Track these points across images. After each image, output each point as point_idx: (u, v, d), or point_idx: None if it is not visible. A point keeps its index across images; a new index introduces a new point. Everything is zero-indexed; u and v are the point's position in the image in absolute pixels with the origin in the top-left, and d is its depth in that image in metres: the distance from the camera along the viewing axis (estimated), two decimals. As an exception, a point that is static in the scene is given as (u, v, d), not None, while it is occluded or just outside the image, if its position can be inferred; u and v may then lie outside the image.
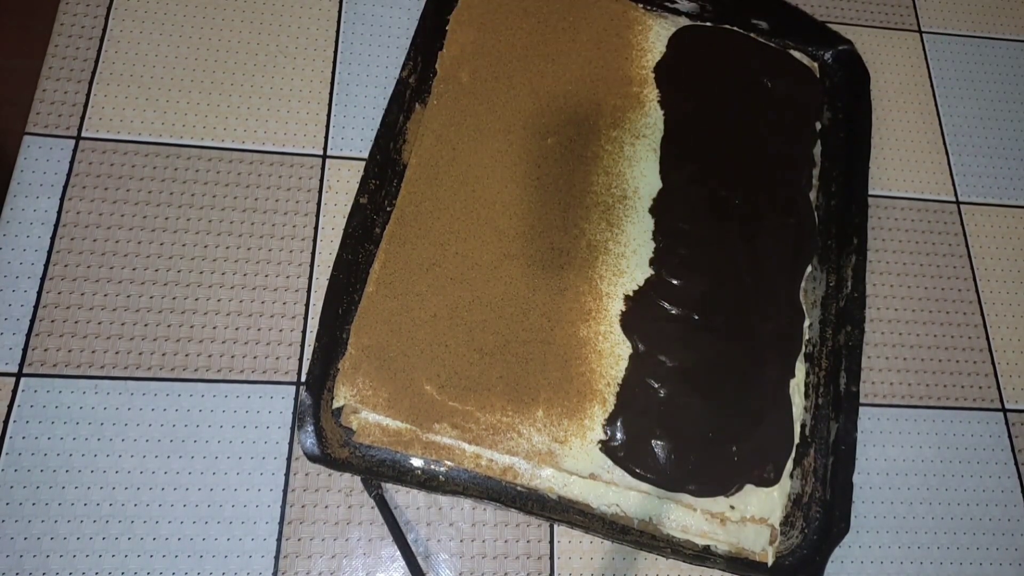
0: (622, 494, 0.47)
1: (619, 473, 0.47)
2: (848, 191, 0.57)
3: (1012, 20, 0.69)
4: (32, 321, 0.48)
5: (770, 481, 0.48)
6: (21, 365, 0.47)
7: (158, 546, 0.45)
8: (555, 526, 0.48)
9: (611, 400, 0.48)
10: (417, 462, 0.47)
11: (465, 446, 0.46)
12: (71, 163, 0.52)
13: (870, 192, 0.59)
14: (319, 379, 0.47)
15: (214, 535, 0.45)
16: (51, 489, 0.45)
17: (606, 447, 0.47)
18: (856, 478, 0.49)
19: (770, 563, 0.47)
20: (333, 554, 0.46)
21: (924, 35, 0.67)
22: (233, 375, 0.49)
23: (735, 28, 0.61)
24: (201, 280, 0.51)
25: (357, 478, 0.47)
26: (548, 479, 0.47)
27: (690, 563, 0.46)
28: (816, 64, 0.62)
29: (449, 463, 0.47)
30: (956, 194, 0.62)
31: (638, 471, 0.47)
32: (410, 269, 0.49)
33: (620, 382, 0.49)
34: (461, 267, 0.50)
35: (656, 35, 0.59)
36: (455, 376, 0.47)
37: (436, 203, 0.51)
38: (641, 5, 0.61)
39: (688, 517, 0.47)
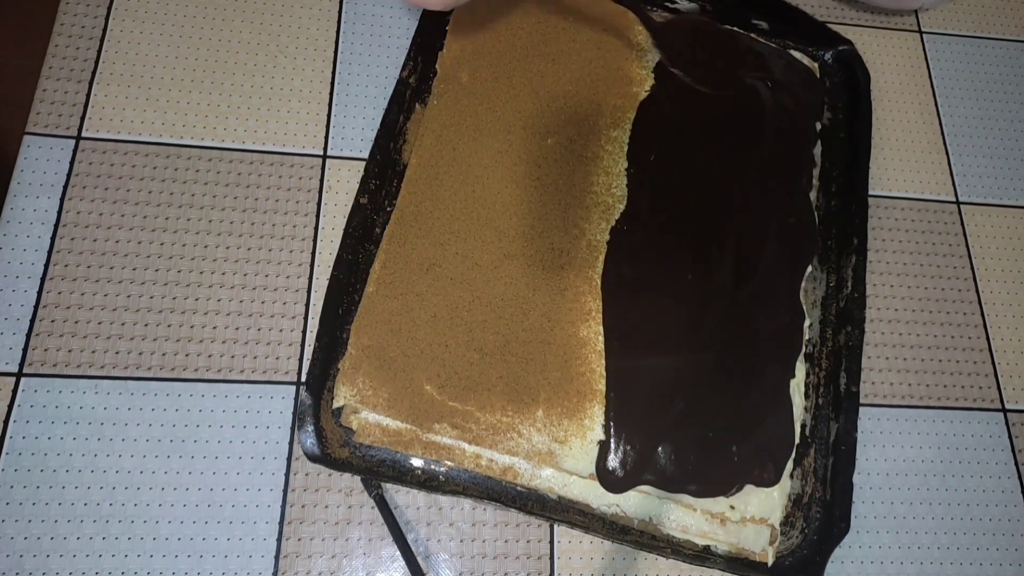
0: (622, 494, 0.47)
1: (619, 473, 0.47)
2: (848, 191, 0.57)
3: (1012, 20, 0.69)
4: (32, 321, 0.48)
5: (770, 481, 0.48)
6: (21, 365, 0.47)
7: (158, 546, 0.45)
8: (555, 526, 0.48)
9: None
10: (417, 462, 0.47)
11: (465, 446, 0.46)
12: (71, 163, 0.52)
13: (870, 192, 0.59)
14: (319, 379, 0.47)
15: (214, 535, 0.45)
16: (51, 489, 0.45)
17: (606, 447, 0.47)
18: (856, 478, 0.49)
19: (770, 563, 0.47)
20: (333, 554, 0.46)
21: (924, 35, 0.67)
22: (233, 375, 0.49)
23: (735, 28, 0.61)
24: (201, 280, 0.51)
25: (357, 478, 0.47)
26: (548, 479, 0.47)
27: (690, 563, 0.46)
28: (816, 64, 0.62)
29: (449, 463, 0.47)
30: (956, 194, 0.62)
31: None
32: (410, 269, 0.49)
33: (620, 382, 0.48)
34: (461, 267, 0.50)
35: (656, 35, 0.59)
36: (455, 376, 0.47)
37: (436, 203, 0.51)
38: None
39: (688, 517, 0.47)
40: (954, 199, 0.62)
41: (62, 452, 0.46)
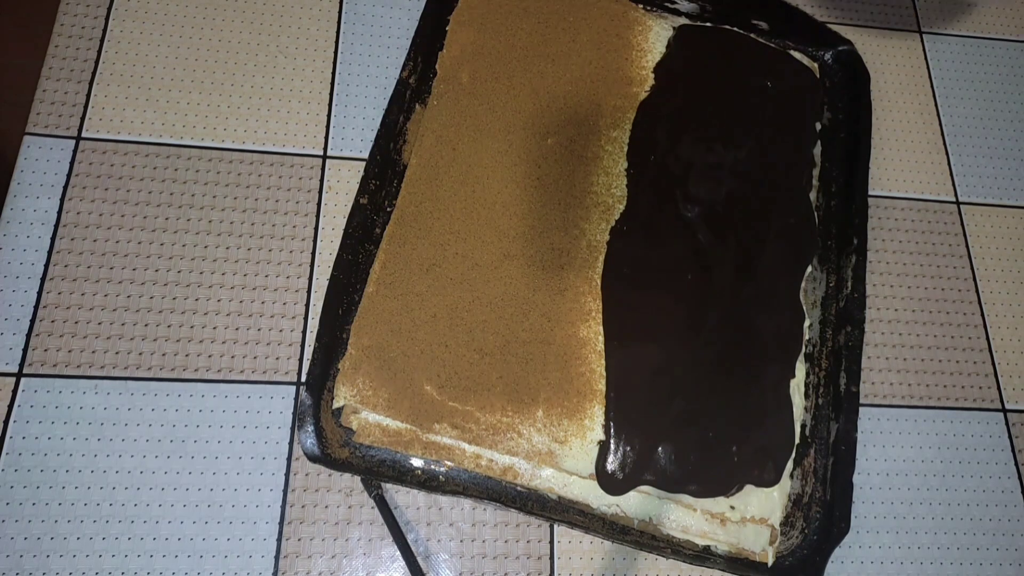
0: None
1: (619, 473, 0.47)
2: (848, 191, 0.57)
3: (1012, 20, 0.69)
4: (32, 321, 0.48)
5: (770, 481, 0.48)
6: (21, 365, 0.47)
7: (158, 546, 0.45)
8: (555, 526, 0.48)
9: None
10: (417, 462, 0.47)
11: (465, 446, 0.46)
12: (71, 163, 0.52)
13: (870, 192, 0.59)
14: (319, 379, 0.47)
15: (214, 535, 0.45)
16: (51, 489, 0.45)
17: (606, 447, 0.47)
18: (856, 478, 0.49)
19: (770, 563, 0.47)
20: (333, 554, 0.46)
21: (924, 35, 0.67)
22: (233, 375, 0.49)
23: (735, 28, 0.61)
24: (201, 280, 0.51)
25: (357, 478, 0.47)
26: (548, 479, 0.47)
27: (690, 563, 0.46)
28: (816, 64, 0.62)
29: (449, 463, 0.47)
30: (956, 194, 0.62)
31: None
32: (410, 269, 0.49)
33: (620, 382, 0.48)
34: (461, 267, 0.50)
35: (656, 35, 0.59)
36: (455, 376, 0.47)
37: (436, 203, 0.51)
38: (641, 5, 0.61)
39: (688, 517, 0.47)
40: (954, 199, 0.62)
41: (62, 452, 0.46)
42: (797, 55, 0.62)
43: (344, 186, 0.54)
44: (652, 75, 0.58)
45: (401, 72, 0.54)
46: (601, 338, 0.49)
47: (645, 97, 0.57)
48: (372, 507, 0.47)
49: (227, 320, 0.50)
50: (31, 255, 0.49)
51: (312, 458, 0.45)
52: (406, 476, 0.46)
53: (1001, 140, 0.64)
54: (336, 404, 0.47)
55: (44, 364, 0.47)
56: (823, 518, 0.48)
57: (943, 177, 0.62)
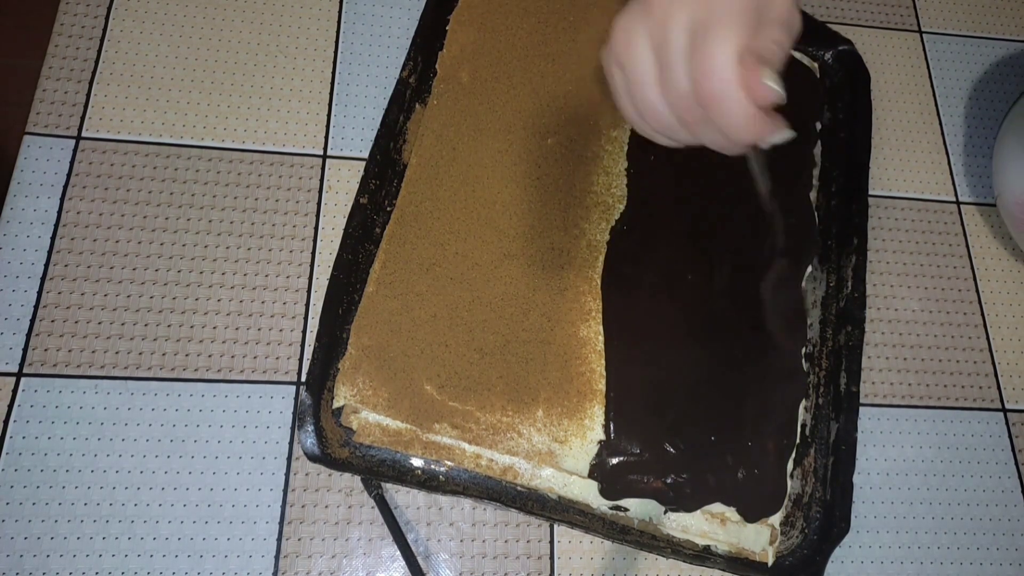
0: (622, 494, 0.47)
1: (619, 473, 0.47)
2: (848, 191, 0.57)
3: (1012, 20, 0.69)
4: (32, 321, 0.48)
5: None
6: (21, 365, 0.47)
7: (158, 546, 0.45)
8: (555, 526, 0.48)
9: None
10: (417, 462, 0.47)
11: (465, 446, 0.46)
12: (71, 163, 0.52)
13: (870, 192, 0.59)
14: (319, 379, 0.47)
15: (214, 535, 0.45)
16: (51, 489, 0.45)
17: (605, 448, 0.47)
18: (856, 478, 0.49)
19: (770, 563, 0.47)
20: (333, 554, 0.46)
21: (924, 35, 0.67)
22: (233, 375, 0.49)
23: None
24: (201, 280, 0.51)
25: (357, 478, 0.47)
26: (548, 479, 0.47)
27: (690, 563, 0.46)
28: (816, 64, 0.62)
29: (449, 463, 0.47)
30: (956, 194, 0.62)
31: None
32: (410, 269, 0.49)
33: (620, 382, 0.48)
34: (461, 267, 0.50)
35: (656, 35, 0.59)
36: (455, 376, 0.47)
37: (436, 203, 0.51)
38: (641, 5, 0.61)
39: (688, 517, 0.47)
40: (954, 199, 0.62)
41: (62, 452, 0.46)
42: (797, 55, 0.62)
43: (344, 186, 0.54)
44: (652, 75, 0.58)
45: (401, 72, 0.54)
46: (601, 338, 0.49)
47: (645, 97, 0.57)
48: (372, 507, 0.47)
49: (227, 320, 0.50)
50: (31, 255, 0.49)
51: (312, 458, 0.45)
52: (406, 476, 0.46)
53: (1001, 140, 0.64)
54: (336, 404, 0.47)
55: (44, 364, 0.47)
56: (823, 518, 0.48)
57: (943, 177, 0.62)
